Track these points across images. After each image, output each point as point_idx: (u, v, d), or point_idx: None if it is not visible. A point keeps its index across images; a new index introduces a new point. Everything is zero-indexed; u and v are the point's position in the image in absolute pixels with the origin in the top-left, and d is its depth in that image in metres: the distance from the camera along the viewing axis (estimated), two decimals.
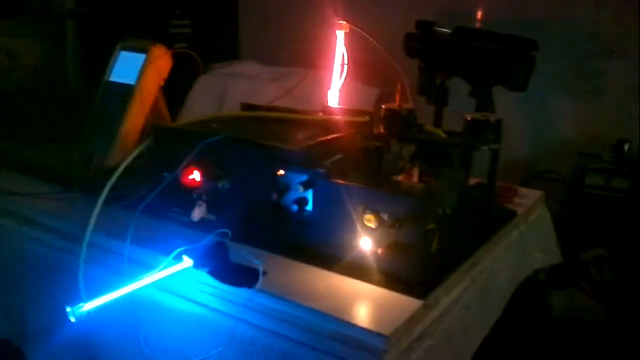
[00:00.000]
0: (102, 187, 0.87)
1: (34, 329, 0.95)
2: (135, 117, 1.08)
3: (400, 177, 0.90)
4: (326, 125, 0.93)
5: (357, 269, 0.75)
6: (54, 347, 0.92)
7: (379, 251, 0.72)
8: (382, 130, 0.94)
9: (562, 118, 1.85)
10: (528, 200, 1.08)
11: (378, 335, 0.63)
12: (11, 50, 1.71)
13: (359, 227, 0.74)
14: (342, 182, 0.75)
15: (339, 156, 0.84)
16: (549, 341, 1.31)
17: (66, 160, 1.15)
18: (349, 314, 0.67)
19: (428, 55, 1.37)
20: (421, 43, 1.37)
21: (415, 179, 0.86)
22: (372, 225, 0.73)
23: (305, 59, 1.86)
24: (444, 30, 1.33)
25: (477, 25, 1.42)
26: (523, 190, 1.10)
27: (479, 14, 1.37)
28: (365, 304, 0.70)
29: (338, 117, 0.94)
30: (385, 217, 0.72)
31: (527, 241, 1.04)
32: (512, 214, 0.99)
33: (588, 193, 1.62)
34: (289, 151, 0.79)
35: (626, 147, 1.61)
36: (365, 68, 1.32)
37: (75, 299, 0.82)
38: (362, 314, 0.68)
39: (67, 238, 0.91)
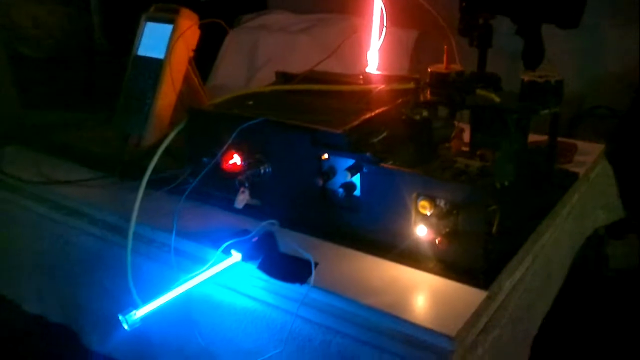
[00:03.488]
0: (141, 171, 0.84)
1: (88, 316, 0.95)
2: (168, 94, 1.04)
3: (451, 144, 0.85)
4: (369, 96, 0.87)
5: (413, 257, 0.71)
6: (109, 334, 0.93)
7: (437, 240, 0.68)
8: (429, 97, 0.88)
9: (614, 50, 1.72)
10: (589, 157, 1.01)
11: (443, 336, 0.59)
12: (37, 16, 1.66)
13: (413, 213, 0.70)
14: (392, 166, 0.70)
15: (384, 133, 0.78)
16: (608, 296, 1.27)
17: (102, 140, 1.12)
18: (410, 311, 0.63)
19: None
20: None
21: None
22: (427, 212, 0.68)
23: (337, 3, 1.76)
24: None
25: None
26: (583, 146, 1.03)
27: None
28: (426, 298, 0.66)
29: (382, 86, 0.88)
30: (441, 203, 0.67)
31: (588, 201, 0.98)
32: (574, 177, 0.93)
33: None
34: (333, 134, 0.74)
35: None
36: (399, 10, 1.22)
37: (124, 292, 0.82)
38: (424, 311, 0.64)
39: (112, 229, 0.89)
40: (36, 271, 1.00)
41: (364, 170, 0.72)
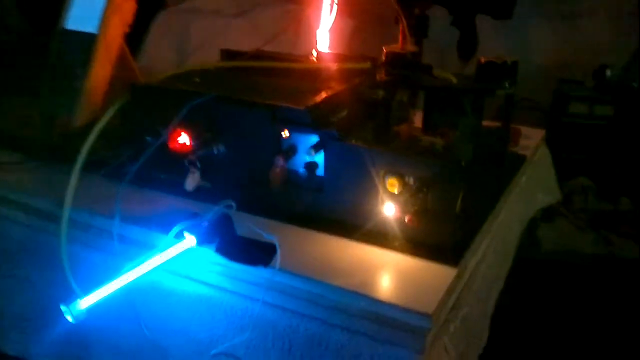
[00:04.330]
0: (71, 153, 0.77)
1: (10, 320, 0.86)
2: (101, 71, 0.95)
3: (403, 128, 0.84)
4: (323, 75, 0.84)
5: (380, 237, 0.68)
6: (33, 334, 0.84)
7: (406, 218, 0.66)
8: (384, 77, 0.86)
9: (539, 44, 1.79)
10: (532, 141, 1.03)
11: (420, 314, 0.57)
12: None
13: (380, 192, 0.67)
14: (360, 144, 0.68)
15: (344, 112, 0.75)
16: (540, 276, 1.31)
17: (22, 121, 1.02)
18: (381, 290, 0.61)
19: None
20: None
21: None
22: (396, 190, 0.66)
23: None
24: None
25: None
26: (525, 131, 1.05)
27: None
28: (397, 277, 0.64)
29: (337, 65, 0.85)
30: (410, 180, 0.66)
31: (532, 184, 1.00)
32: (522, 159, 0.94)
33: (570, 122, 1.59)
34: (295, 110, 0.70)
35: (608, 72, 1.57)
36: None
37: (54, 285, 0.74)
38: (396, 290, 0.62)
39: (41, 215, 0.81)
40: None
41: (329, 147, 0.68)
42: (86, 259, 0.75)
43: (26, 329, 0.85)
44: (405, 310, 0.58)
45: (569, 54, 1.73)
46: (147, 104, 0.79)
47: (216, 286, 0.68)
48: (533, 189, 1.02)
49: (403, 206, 0.66)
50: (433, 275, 0.63)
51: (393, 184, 0.66)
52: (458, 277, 0.64)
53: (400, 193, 0.66)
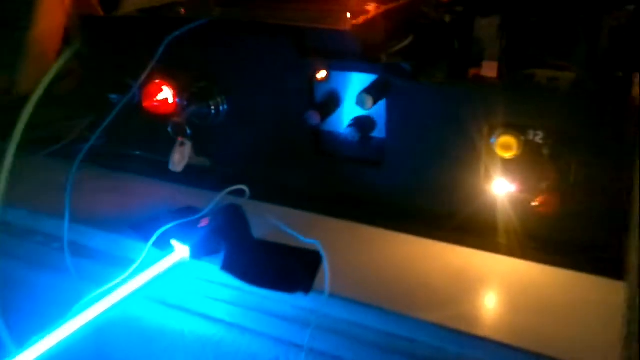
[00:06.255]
0: (12, 127, 0.52)
1: None
2: (51, 15, 0.70)
3: (484, 68, 0.58)
4: None
5: (488, 234, 0.42)
6: None
7: (535, 202, 0.40)
8: None
9: None
10: None
11: None
12: None
13: (484, 159, 0.41)
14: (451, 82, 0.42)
15: (409, 39, 0.49)
16: None
17: None
18: (506, 328, 0.35)
19: None
20: None
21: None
22: (510, 154, 0.40)
23: None
24: None
25: None
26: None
27: None
28: (530, 302, 0.38)
29: None
30: (537, 137, 0.40)
31: None
32: None
33: None
34: (334, 33, 0.44)
35: None
36: None
37: None
38: (537, 327, 0.36)
39: None
40: None
41: (396, 90, 0.42)
42: (24, 281, 0.50)
43: None
44: None
45: None
46: (109, 46, 0.53)
47: (226, 323, 0.43)
48: None
49: (525, 181, 0.40)
50: (590, 296, 0.38)
51: (508, 145, 0.40)
52: (633, 299, 0.39)
53: (519, 159, 0.40)
